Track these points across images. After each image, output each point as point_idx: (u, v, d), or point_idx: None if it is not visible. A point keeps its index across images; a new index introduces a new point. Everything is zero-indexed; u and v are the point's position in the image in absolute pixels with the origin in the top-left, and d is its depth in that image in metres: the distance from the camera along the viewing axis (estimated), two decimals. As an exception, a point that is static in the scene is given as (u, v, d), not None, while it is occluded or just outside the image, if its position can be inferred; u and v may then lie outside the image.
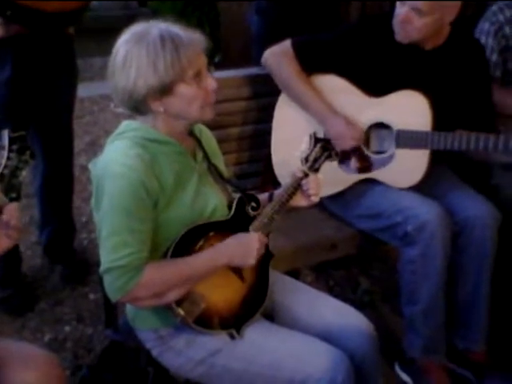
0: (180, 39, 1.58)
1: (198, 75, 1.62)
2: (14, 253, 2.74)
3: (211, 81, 1.65)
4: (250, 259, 1.67)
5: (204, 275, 1.65)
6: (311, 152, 1.88)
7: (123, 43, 1.60)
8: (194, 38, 1.62)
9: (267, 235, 1.79)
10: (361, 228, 2.41)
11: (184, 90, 1.61)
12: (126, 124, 1.70)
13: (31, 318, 2.72)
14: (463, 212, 2.25)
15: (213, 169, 1.81)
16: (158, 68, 1.56)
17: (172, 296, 1.60)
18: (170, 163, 1.65)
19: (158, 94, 1.59)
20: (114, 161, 1.58)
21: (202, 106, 1.65)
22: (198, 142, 1.79)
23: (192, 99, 1.63)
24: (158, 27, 1.60)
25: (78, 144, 3.90)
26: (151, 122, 1.67)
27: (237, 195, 1.81)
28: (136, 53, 1.57)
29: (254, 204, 1.80)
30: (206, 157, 1.80)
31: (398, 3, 2.21)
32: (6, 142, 1.46)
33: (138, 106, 1.64)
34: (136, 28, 1.62)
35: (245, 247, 1.68)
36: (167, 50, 1.56)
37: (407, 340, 2.33)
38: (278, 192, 1.84)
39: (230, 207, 1.78)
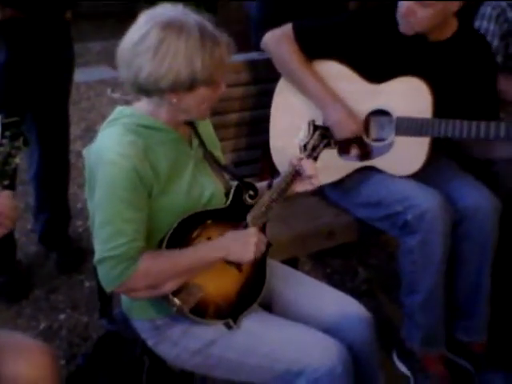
0: (218, 43, 1.57)
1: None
2: (8, 240, 2.72)
3: (223, 86, 1.65)
4: (247, 255, 1.64)
5: (200, 269, 1.62)
6: (310, 140, 1.85)
7: (155, 27, 1.53)
8: (229, 45, 1.61)
9: (264, 224, 1.76)
10: (360, 217, 2.38)
11: (203, 91, 1.60)
12: (119, 110, 1.66)
13: (26, 306, 2.70)
14: (464, 200, 2.23)
15: (209, 156, 1.78)
16: (194, 65, 1.53)
17: (167, 288, 1.58)
18: (164, 150, 1.62)
19: (181, 88, 1.56)
20: (107, 148, 1.55)
21: (209, 107, 1.66)
22: (194, 129, 1.76)
23: (204, 100, 1.63)
24: (193, 18, 1.56)
25: (74, 130, 3.86)
26: (152, 108, 1.64)
27: (234, 183, 1.78)
28: (174, 43, 1.52)
29: (251, 192, 1.77)
30: (202, 144, 1.77)
31: None
32: None
33: (152, 91, 1.59)
34: (165, 12, 1.56)
35: (242, 243, 1.64)
36: (207, 50, 1.54)
37: (406, 331, 2.31)
38: (276, 181, 1.81)
39: (227, 195, 1.75)
